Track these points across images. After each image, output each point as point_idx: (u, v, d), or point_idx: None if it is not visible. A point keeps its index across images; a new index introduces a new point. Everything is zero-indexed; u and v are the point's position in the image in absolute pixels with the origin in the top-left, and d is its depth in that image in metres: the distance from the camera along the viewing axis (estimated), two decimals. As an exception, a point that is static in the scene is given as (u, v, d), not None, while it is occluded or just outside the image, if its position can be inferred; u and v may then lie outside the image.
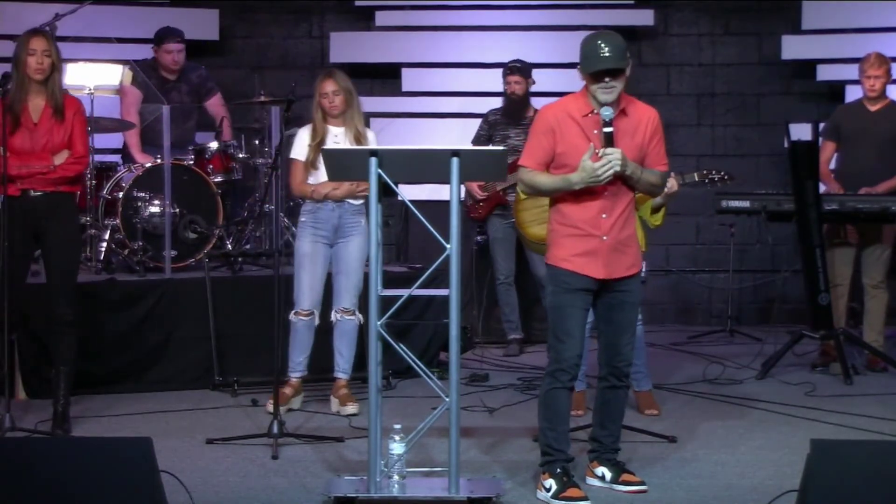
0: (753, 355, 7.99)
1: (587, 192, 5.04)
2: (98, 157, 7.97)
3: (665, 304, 10.00)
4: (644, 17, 9.85)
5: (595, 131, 5.04)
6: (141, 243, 7.54)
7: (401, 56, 9.88)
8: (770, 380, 7.59)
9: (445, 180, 4.95)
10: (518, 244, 8.41)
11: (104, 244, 7.62)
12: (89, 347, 6.74)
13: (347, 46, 9.85)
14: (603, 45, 4.98)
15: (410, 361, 5.02)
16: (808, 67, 9.78)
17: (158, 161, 7.65)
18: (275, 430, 5.79)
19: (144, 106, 8.30)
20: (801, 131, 8.03)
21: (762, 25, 9.96)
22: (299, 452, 5.82)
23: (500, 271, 8.55)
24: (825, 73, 9.69)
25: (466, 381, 7.33)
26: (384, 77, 9.91)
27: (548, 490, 5.07)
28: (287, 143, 6.92)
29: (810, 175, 7.67)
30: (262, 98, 8.03)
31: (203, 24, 9.69)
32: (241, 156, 8.13)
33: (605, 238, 5.07)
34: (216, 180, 7.88)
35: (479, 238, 8.69)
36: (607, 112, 5.01)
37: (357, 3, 9.95)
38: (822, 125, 8.04)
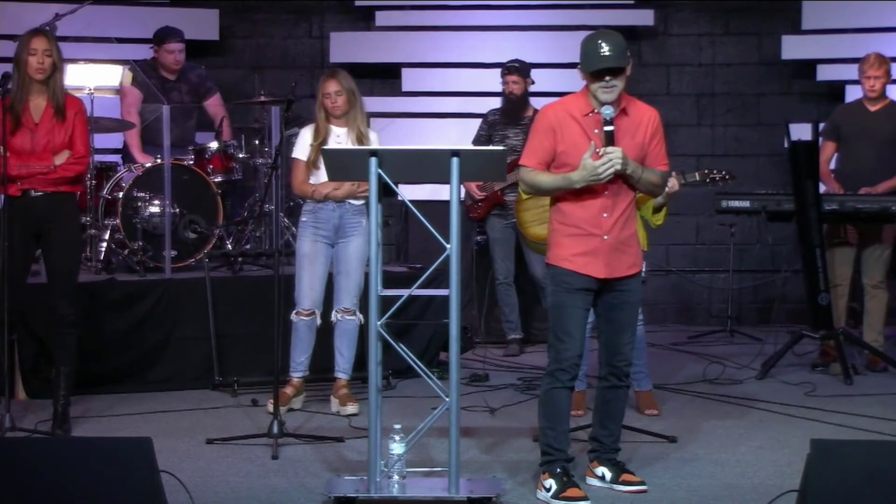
0: (753, 355, 7.99)
1: (588, 192, 5.04)
2: (98, 157, 7.97)
3: (665, 305, 10.00)
4: (644, 17, 9.85)
5: (596, 130, 5.04)
6: (141, 243, 7.53)
7: (401, 56, 9.88)
8: (770, 380, 7.59)
9: (445, 180, 4.94)
10: (517, 244, 8.42)
11: (104, 244, 7.62)
12: (89, 347, 6.72)
13: (347, 46, 9.84)
14: (603, 44, 4.98)
15: (410, 361, 5.02)
16: (808, 67, 9.79)
17: (158, 161, 7.65)
18: (275, 430, 5.79)
19: (144, 106, 8.30)
20: (801, 131, 8.04)
21: (762, 25, 9.96)
22: (299, 452, 5.81)
23: (500, 271, 8.55)
24: (825, 73, 9.69)
25: (466, 381, 7.33)
26: (384, 77, 9.91)
27: (548, 490, 5.07)
28: (287, 142, 6.92)
29: (810, 175, 7.67)
30: (262, 98, 8.04)
31: (203, 24, 9.69)
32: (241, 156, 8.13)
33: (606, 237, 5.07)
34: (216, 180, 7.88)
35: (479, 238, 8.68)
36: (608, 111, 5.00)
37: (357, 3, 9.95)
38: (822, 125, 8.04)
